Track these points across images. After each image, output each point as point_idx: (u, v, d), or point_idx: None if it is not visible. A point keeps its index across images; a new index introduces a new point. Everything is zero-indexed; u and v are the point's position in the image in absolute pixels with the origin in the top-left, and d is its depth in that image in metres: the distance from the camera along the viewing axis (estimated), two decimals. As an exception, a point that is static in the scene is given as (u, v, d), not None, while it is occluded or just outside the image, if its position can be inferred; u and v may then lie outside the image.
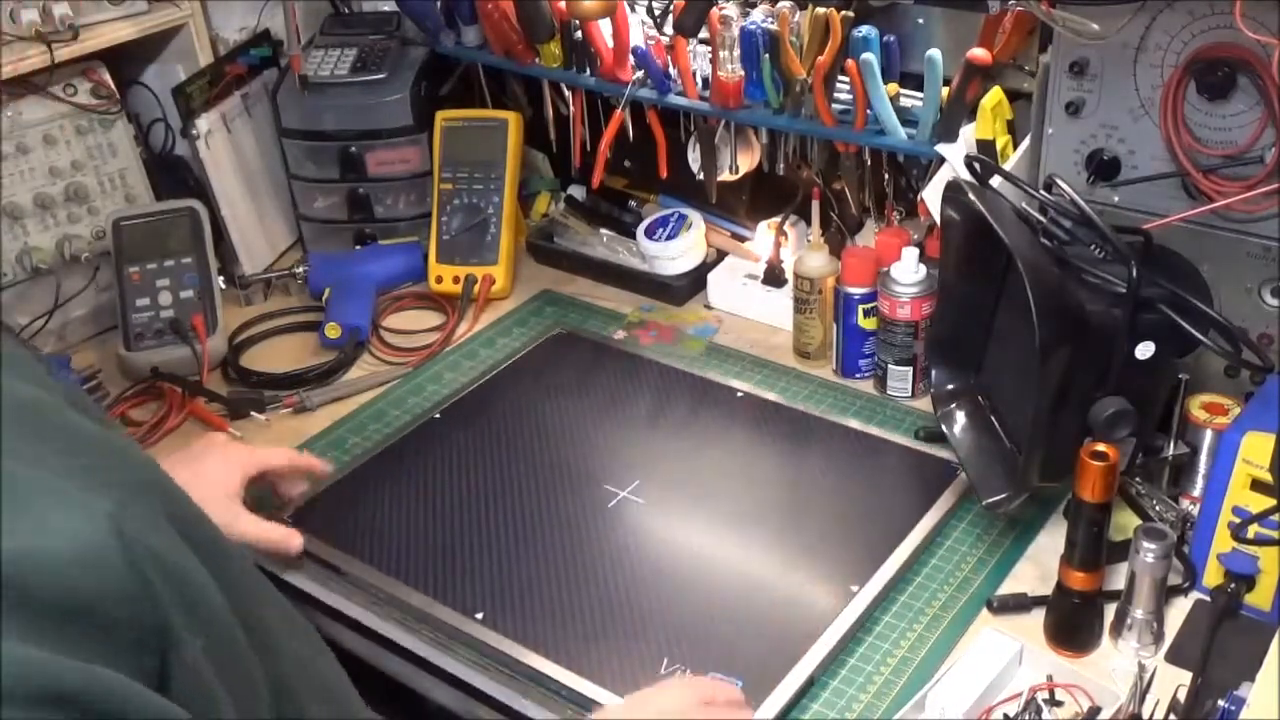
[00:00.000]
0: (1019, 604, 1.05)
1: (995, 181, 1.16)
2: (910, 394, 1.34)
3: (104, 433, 0.62)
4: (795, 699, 0.96)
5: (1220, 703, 0.88)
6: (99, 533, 0.51)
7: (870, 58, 1.23)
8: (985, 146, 1.23)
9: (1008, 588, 1.07)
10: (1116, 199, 1.15)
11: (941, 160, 1.25)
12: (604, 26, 1.45)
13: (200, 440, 1.14)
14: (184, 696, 0.53)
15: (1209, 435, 1.08)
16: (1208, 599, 1.02)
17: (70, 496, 0.53)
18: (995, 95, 1.22)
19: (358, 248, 1.67)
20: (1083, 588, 0.98)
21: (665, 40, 1.44)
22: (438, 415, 1.34)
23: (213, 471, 1.07)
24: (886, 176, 1.38)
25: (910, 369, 1.32)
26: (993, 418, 1.19)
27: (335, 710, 0.76)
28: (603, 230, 1.64)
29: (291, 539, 1.11)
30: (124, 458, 0.62)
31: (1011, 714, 0.93)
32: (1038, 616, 1.03)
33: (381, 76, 1.61)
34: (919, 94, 1.26)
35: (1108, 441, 0.95)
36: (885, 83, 1.26)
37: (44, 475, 0.54)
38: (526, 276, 1.64)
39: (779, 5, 1.31)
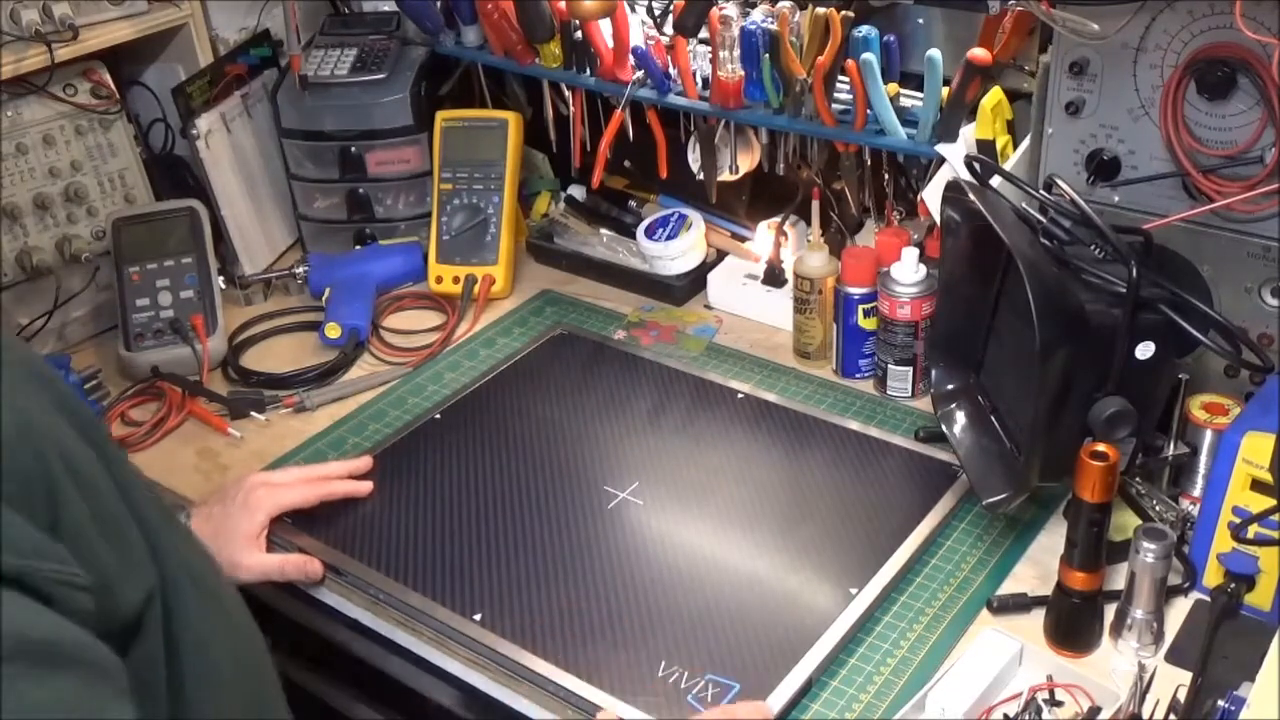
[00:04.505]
0: (1019, 604, 1.05)
1: (995, 181, 1.16)
2: (910, 394, 1.34)
3: (3, 333, 0.72)
4: (795, 700, 0.96)
5: (1220, 703, 0.88)
6: None
7: (870, 58, 1.23)
8: (985, 146, 1.23)
9: (1008, 588, 1.07)
10: (1116, 199, 1.15)
11: (941, 160, 1.25)
12: (604, 26, 1.45)
13: (233, 483, 1.16)
14: (70, 545, 0.61)
15: (1209, 435, 1.08)
16: (1208, 599, 1.01)
17: None
18: (995, 95, 1.22)
19: (358, 248, 1.67)
20: (1083, 588, 0.98)
21: (665, 40, 1.44)
22: (438, 415, 1.34)
23: (235, 516, 1.12)
24: (886, 176, 1.38)
25: (910, 369, 1.32)
26: (993, 418, 1.19)
27: (224, 614, 0.82)
28: (603, 230, 1.64)
29: (310, 565, 1.13)
30: (19, 353, 0.70)
31: (1011, 714, 0.93)
32: (1038, 616, 1.03)
33: (381, 76, 1.61)
34: (919, 94, 1.26)
35: (1108, 441, 0.95)
36: (885, 83, 1.26)
37: None
38: (526, 276, 1.64)
39: (779, 5, 1.31)
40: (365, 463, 1.23)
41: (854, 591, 1.05)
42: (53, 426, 0.66)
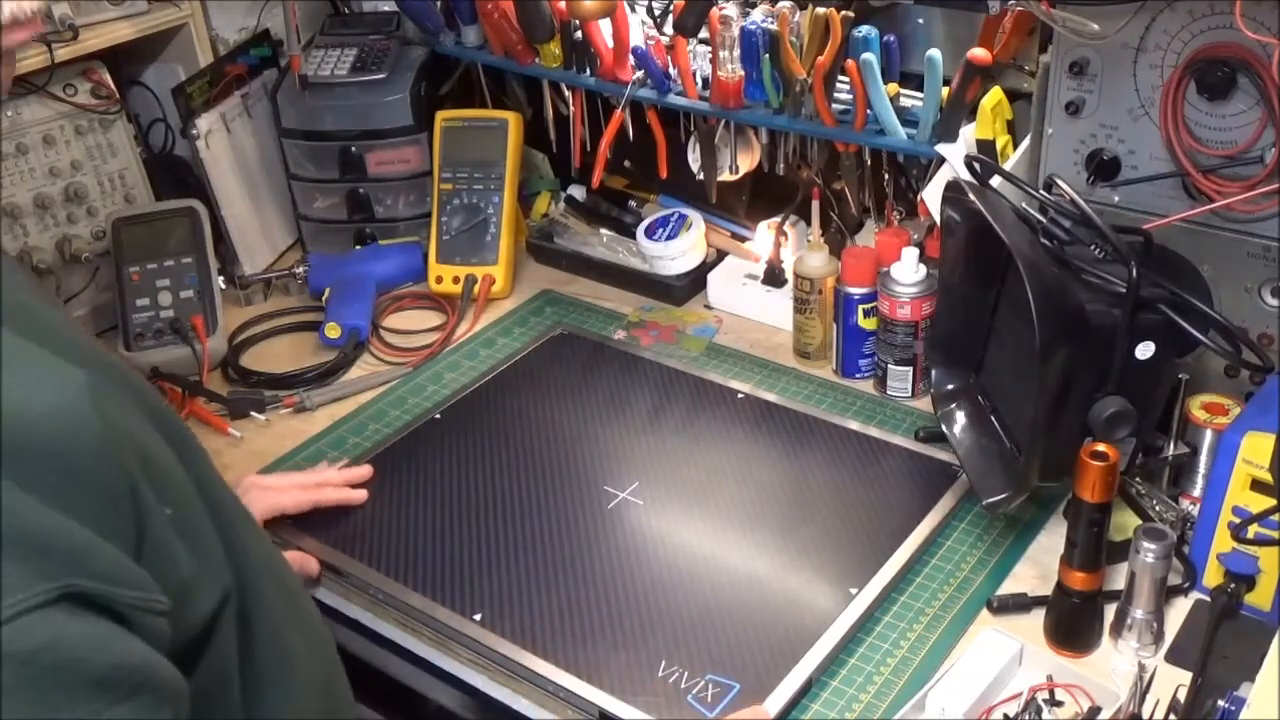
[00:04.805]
0: (1019, 604, 1.05)
1: (995, 181, 1.16)
2: (910, 394, 1.34)
3: (83, 337, 0.73)
4: (795, 700, 0.96)
5: (1220, 703, 0.88)
6: (77, 394, 0.59)
7: (870, 58, 1.23)
8: (985, 146, 1.23)
9: (1008, 588, 1.07)
10: (1116, 199, 1.15)
11: (941, 160, 1.25)
12: (604, 26, 1.45)
13: (233, 483, 1.16)
14: (152, 559, 0.61)
15: (1209, 435, 1.08)
16: (1208, 599, 1.01)
17: (53, 362, 0.61)
18: (995, 95, 1.22)
19: (358, 248, 1.67)
20: (1083, 588, 0.98)
21: (665, 40, 1.44)
22: (438, 416, 1.34)
23: None
24: (886, 176, 1.38)
25: (910, 369, 1.32)
26: (993, 418, 1.19)
27: (297, 610, 0.82)
28: (603, 230, 1.64)
29: (307, 563, 1.13)
30: (99, 354, 0.71)
31: (1011, 714, 0.93)
32: (1038, 616, 1.03)
33: (381, 76, 1.61)
34: (919, 94, 1.26)
35: (1108, 441, 0.95)
36: (885, 83, 1.26)
37: (31, 346, 0.62)
38: (526, 276, 1.64)
39: (779, 5, 1.31)
40: (365, 472, 1.22)
41: (854, 591, 1.05)
42: (136, 431, 0.65)
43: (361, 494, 1.20)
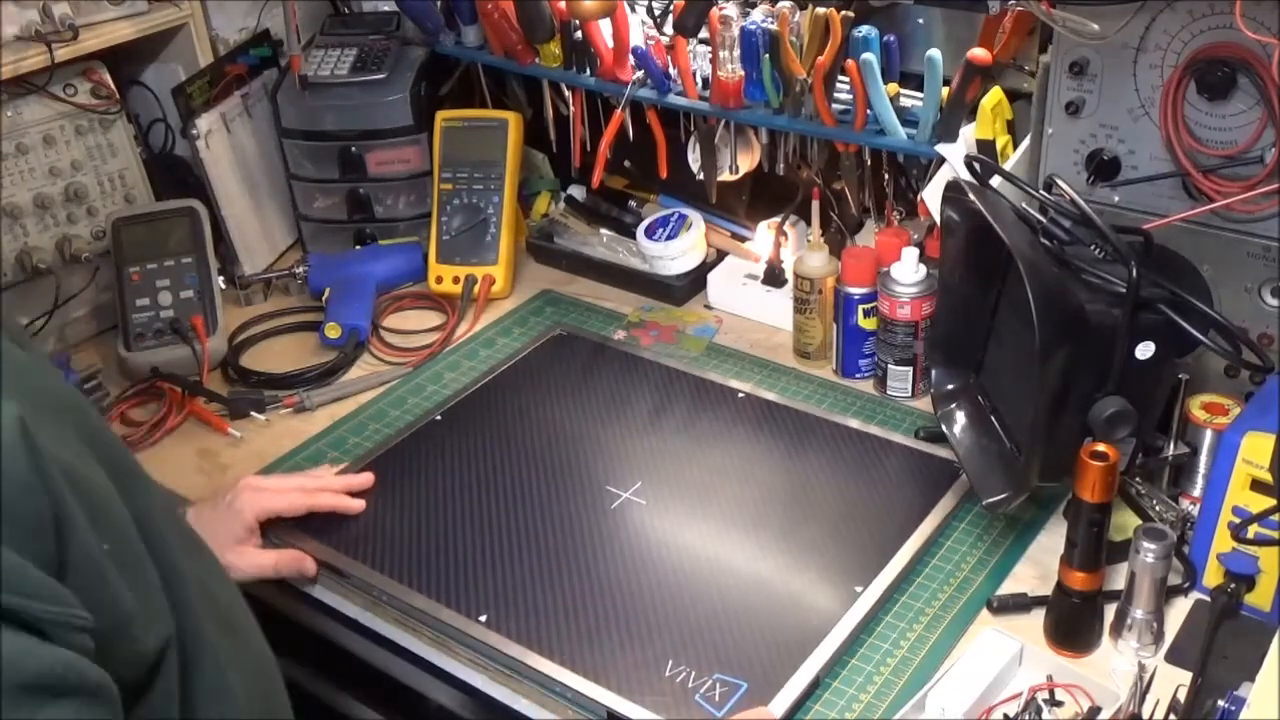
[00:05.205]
0: (1019, 604, 1.05)
1: (995, 181, 1.16)
2: (910, 394, 1.34)
3: (33, 362, 0.72)
4: (801, 699, 0.96)
5: (1220, 703, 0.88)
6: (6, 428, 0.60)
7: (870, 58, 1.23)
8: (985, 146, 1.23)
9: (1008, 588, 1.07)
10: (1116, 199, 1.15)
11: (941, 160, 1.25)
12: (604, 26, 1.45)
13: (230, 484, 1.17)
14: (80, 584, 0.62)
15: (1209, 435, 1.08)
16: (1208, 599, 1.02)
17: None
18: (995, 95, 1.22)
19: (358, 248, 1.67)
20: (1083, 588, 0.98)
21: (665, 40, 1.44)
22: (439, 416, 1.34)
23: (223, 518, 1.13)
24: (886, 176, 1.38)
25: (910, 369, 1.32)
26: (993, 418, 1.19)
27: (241, 647, 0.82)
28: (603, 230, 1.64)
29: (304, 562, 1.13)
30: (46, 382, 0.72)
31: (1011, 714, 0.93)
32: (1038, 616, 1.03)
33: (381, 76, 1.61)
34: (919, 94, 1.26)
35: (1108, 441, 0.95)
36: (885, 83, 1.26)
37: None
38: (526, 276, 1.64)
39: (779, 5, 1.31)
40: (365, 480, 1.22)
41: (859, 590, 1.05)
42: (73, 465, 0.66)
43: (359, 504, 1.19)
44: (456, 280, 1.57)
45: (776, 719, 0.94)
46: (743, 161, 1.48)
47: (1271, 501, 0.96)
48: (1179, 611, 1.03)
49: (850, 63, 1.26)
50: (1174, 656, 0.99)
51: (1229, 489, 1.00)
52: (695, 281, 1.56)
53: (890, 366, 1.33)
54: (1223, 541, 1.01)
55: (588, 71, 1.51)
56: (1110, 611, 1.02)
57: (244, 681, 0.80)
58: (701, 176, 1.50)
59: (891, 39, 1.27)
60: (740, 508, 1.17)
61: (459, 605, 1.07)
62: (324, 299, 1.54)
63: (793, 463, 1.23)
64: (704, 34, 1.38)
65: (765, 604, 1.05)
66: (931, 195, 1.24)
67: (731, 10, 1.33)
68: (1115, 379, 1.03)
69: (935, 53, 1.20)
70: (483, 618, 1.05)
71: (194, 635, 0.74)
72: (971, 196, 1.08)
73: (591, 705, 0.96)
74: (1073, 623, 1.01)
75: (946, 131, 1.25)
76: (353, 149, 1.62)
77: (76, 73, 1.47)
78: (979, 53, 1.19)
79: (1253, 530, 0.97)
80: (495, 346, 1.49)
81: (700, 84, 1.42)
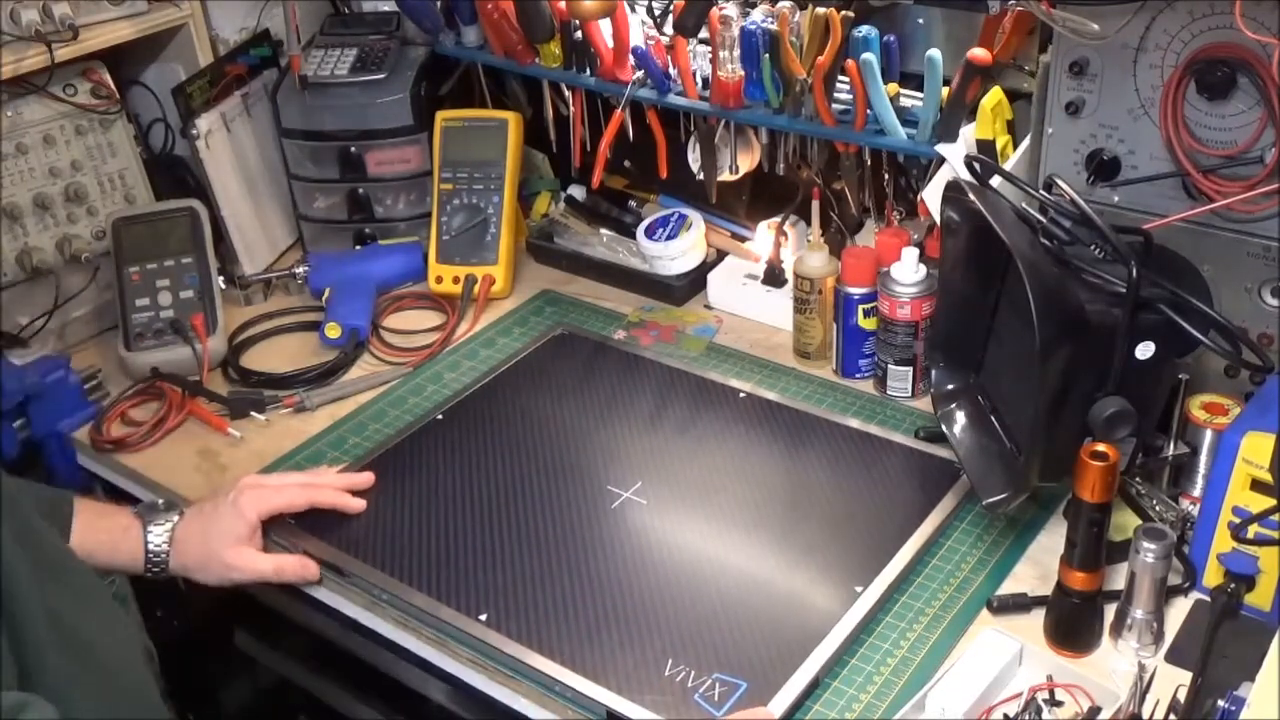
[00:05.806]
0: (1019, 604, 1.05)
1: (995, 181, 1.16)
2: (910, 394, 1.34)
3: None
4: (801, 698, 0.96)
5: (1220, 703, 0.88)
6: None
7: (870, 58, 1.23)
8: (985, 146, 1.23)
9: (1008, 588, 1.07)
10: (1116, 199, 1.15)
11: (941, 160, 1.25)
12: (604, 26, 1.45)
13: (231, 484, 1.16)
14: None
15: (1209, 435, 1.08)
16: (1208, 599, 1.02)
17: None
18: (995, 95, 1.22)
19: (358, 248, 1.67)
20: (1083, 588, 0.98)
21: (665, 40, 1.44)
22: (439, 416, 1.34)
23: (225, 517, 1.13)
24: (886, 176, 1.38)
25: (910, 369, 1.32)
26: (993, 418, 1.19)
27: (91, 673, 0.82)
28: (603, 230, 1.64)
29: (307, 568, 1.13)
30: None
31: (1011, 714, 0.93)
32: (1038, 616, 1.03)
33: (381, 76, 1.61)
34: (919, 94, 1.26)
35: (1108, 441, 0.95)
36: (885, 83, 1.26)
37: None
38: (526, 276, 1.64)
39: (779, 5, 1.31)
40: (365, 479, 1.22)
41: (859, 590, 1.05)
42: None
43: (359, 503, 1.19)
44: (456, 280, 1.57)
45: (776, 719, 0.94)
46: (743, 161, 1.48)
47: (1271, 501, 0.96)
48: (1179, 611, 1.03)
49: (850, 63, 1.26)
50: (1174, 656, 0.99)
51: (1229, 489, 1.00)
52: (695, 281, 1.56)
53: (890, 366, 1.33)
54: (1223, 541, 1.01)
55: (588, 71, 1.51)
56: (1110, 611, 1.02)
57: (98, 711, 0.80)
58: (701, 176, 1.50)
59: (891, 39, 1.27)
60: (740, 507, 1.17)
61: (459, 604, 1.07)
62: (324, 299, 1.54)
63: (793, 463, 1.23)
64: (704, 34, 1.38)
65: (765, 604, 1.05)
66: (931, 195, 1.24)
67: (731, 10, 1.33)
68: (1115, 379, 1.03)
69: (935, 53, 1.20)
70: (483, 617, 1.05)
71: (37, 670, 0.74)
72: (971, 196, 1.08)
73: (591, 705, 0.96)
74: (1073, 623, 1.01)
75: (946, 131, 1.25)
76: (353, 149, 1.62)
77: (76, 73, 1.47)
78: (979, 53, 1.19)
79: (1253, 530, 0.97)
80: (495, 346, 1.49)
81: (700, 84, 1.42)
